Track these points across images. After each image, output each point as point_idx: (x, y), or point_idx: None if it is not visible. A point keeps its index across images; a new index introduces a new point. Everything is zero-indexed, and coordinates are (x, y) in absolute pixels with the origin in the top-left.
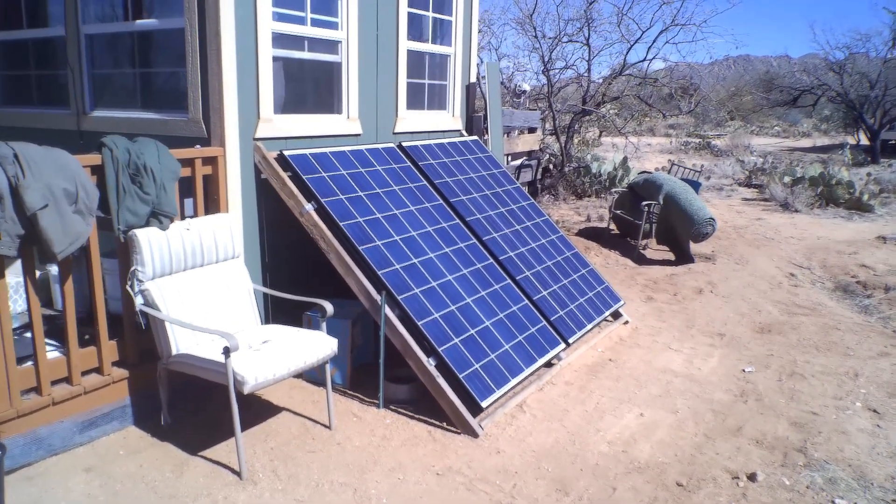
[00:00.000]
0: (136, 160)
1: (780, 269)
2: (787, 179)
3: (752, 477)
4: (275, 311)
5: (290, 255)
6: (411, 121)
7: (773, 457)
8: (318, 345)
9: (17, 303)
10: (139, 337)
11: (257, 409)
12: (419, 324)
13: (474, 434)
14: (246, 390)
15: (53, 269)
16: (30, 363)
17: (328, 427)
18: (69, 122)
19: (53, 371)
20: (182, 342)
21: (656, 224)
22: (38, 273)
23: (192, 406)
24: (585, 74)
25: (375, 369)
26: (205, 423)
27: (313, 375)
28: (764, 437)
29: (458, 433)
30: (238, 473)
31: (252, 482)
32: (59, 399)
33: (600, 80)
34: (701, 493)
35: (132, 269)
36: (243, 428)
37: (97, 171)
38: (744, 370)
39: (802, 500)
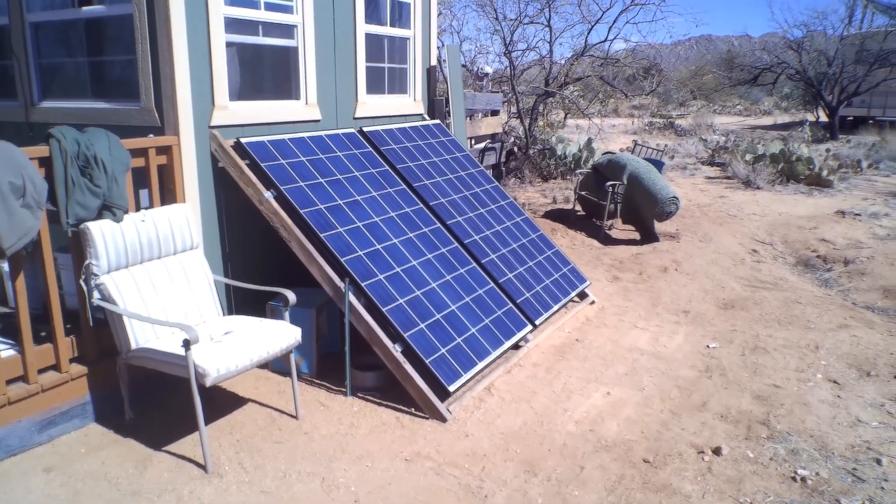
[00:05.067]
0: (86, 151)
1: (743, 246)
2: (749, 157)
3: (717, 451)
4: (237, 302)
5: (252, 245)
6: (372, 105)
7: (737, 430)
8: (281, 334)
9: None
10: (98, 332)
11: (222, 402)
12: (384, 310)
13: (442, 419)
14: (208, 383)
15: (5, 266)
16: None
17: (295, 417)
18: (17, 114)
19: (8, 370)
20: (141, 336)
21: (621, 204)
22: None
23: (155, 401)
24: (547, 56)
25: (342, 358)
26: (169, 417)
27: (279, 366)
28: (728, 411)
29: (427, 418)
30: (203, 467)
31: (218, 475)
32: (16, 398)
33: (563, 62)
34: (667, 469)
35: (86, 263)
36: (208, 421)
37: (45, 163)
38: (708, 346)
39: (766, 471)
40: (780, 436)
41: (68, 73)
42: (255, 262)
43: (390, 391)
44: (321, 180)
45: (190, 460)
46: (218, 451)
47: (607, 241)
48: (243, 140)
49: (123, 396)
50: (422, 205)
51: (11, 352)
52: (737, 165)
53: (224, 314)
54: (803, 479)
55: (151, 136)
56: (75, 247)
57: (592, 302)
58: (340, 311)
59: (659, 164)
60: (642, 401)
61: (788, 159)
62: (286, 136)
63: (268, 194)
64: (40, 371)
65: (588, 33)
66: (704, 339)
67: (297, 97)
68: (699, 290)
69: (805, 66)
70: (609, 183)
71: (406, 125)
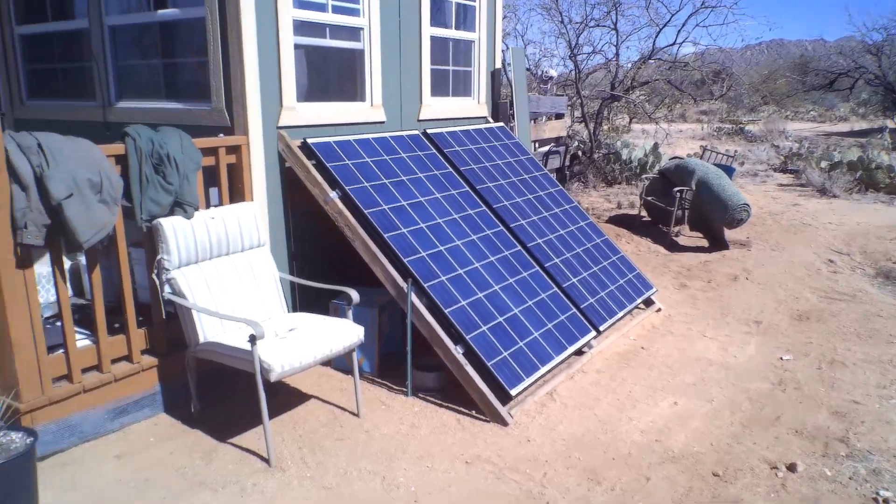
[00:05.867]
0: (160, 150)
1: (818, 256)
2: (824, 164)
3: (791, 467)
4: (301, 300)
5: (317, 244)
6: (436, 108)
7: (813, 447)
8: (344, 332)
9: (50, 292)
10: (168, 325)
11: (286, 397)
12: (446, 311)
13: (503, 422)
14: (272, 378)
15: (82, 259)
16: (60, 351)
17: (356, 415)
18: (95, 114)
19: (83, 359)
20: (209, 330)
21: (689, 210)
22: (69, 263)
23: (221, 394)
24: (613, 59)
25: (403, 357)
26: (233, 410)
27: (341, 363)
28: (804, 426)
29: (487, 421)
30: (266, 460)
31: (280, 469)
32: (90, 387)
33: (629, 65)
34: (738, 484)
35: (158, 257)
36: (272, 415)
37: (121, 160)
38: (781, 358)
39: (845, 491)
40: (861, 454)
41: (143, 74)
42: (319, 261)
43: (450, 392)
44: (385, 181)
45: (253, 453)
46: (281, 445)
47: (674, 247)
48: (310, 140)
49: (191, 388)
50: (485, 207)
51: (87, 342)
52: (811, 172)
53: (289, 311)
54: (886, 501)
55: (221, 135)
56: (148, 242)
57: (659, 309)
58: (402, 312)
59: (729, 171)
60: (711, 412)
61: (867, 167)
62: (351, 138)
63: (333, 194)
64: (113, 361)
65: (656, 37)
66: (777, 351)
67: (363, 99)
68: (771, 300)
69: (885, 71)
70: (677, 188)
71: (470, 128)
